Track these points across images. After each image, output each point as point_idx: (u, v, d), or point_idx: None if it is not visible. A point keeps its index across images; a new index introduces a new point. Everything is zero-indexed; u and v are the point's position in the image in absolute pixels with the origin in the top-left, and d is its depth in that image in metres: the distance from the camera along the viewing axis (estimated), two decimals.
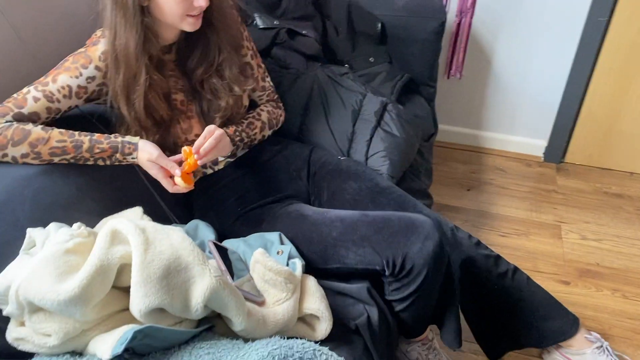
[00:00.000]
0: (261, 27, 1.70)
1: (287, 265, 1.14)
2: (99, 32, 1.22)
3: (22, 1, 1.36)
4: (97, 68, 1.19)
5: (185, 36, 1.28)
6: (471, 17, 2.17)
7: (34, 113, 1.15)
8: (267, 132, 1.46)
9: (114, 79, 1.18)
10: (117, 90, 1.19)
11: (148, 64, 1.19)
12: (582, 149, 2.38)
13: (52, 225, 1.02)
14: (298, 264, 1.13)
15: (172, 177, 1.19)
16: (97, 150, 1.16)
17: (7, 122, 1.12)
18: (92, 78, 1.19)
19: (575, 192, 2.27)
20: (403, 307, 1.23)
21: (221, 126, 1.31)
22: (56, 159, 1.14)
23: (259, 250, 1.08)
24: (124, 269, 0.93)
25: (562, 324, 1.42)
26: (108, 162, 1.20)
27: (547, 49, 2.18)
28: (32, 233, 1.01)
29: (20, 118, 1.14)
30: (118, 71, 1.17)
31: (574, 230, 2.06)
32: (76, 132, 1.16)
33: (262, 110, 1.46)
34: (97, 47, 1.19)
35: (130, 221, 0.92)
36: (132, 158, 1.19)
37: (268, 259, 1.06)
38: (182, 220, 1.38)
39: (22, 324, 0.92)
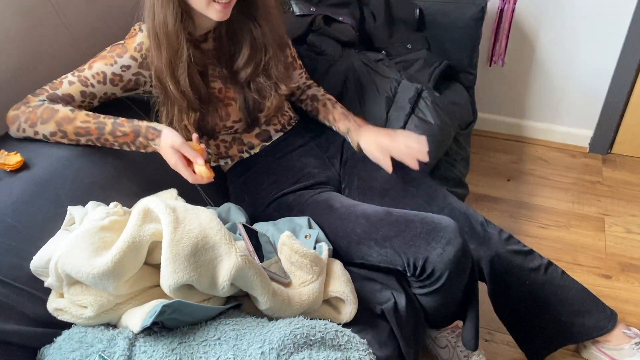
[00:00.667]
0: (298, 14, 1.71)
1: (314, 248, 1.16)
2: (136, 26, 1.26)
3: None
4: (132, 57, 1.22)
5: (227, 30, 1.29)
6: (514, 3, 2.11)
7: (67, 95, 1.19)
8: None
9: (158, 57, 1.20)
10: (162, 68, 1.20)
11: (188, 40, 1.20)
12: (630, 140, 2.29)
13: (90, 204, 1.07)
14: (324, 247, 1.15)
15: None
16: (119, 134, 1.17)
17: (40, 101, 1.18)
18: (127, 67, 1.22)
19: (621, 184, 2.18)
20: (427, 301, 1.23)
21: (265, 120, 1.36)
22: (82, 139, 1.17)
23: (286, 233, 1.10)
24: (155, 246, 0.97)
25: (598, 319, 1.38)
26: (133, 148, 1.20)
27: (594, 34, 2.09)
28: (72, 210, 1.07)
29: (54, 99, 1.19)
30: (160, 49, 1.19)
31: (618, 224, 1.99)
32: (102, 115, 1.18)
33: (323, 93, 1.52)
34: (135, 39, 1.23)
35: (162, 201, 0.96)
36: (155, 144, 1.19)
37: (294, 241, 1.08)
38: (217, 203, 1.41)
39: (62, 295, 0.97)
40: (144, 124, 1.19)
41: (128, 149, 1.21)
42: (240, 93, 1.34)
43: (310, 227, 1.23)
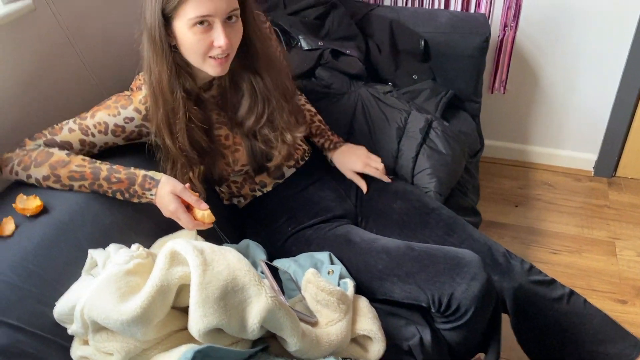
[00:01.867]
0: (305, 48, 1.72)
1: (338, 285, 1.15)
2: (141, 77, 1.23)
3: (89, 32, 1.43)
4: (136, 110, 1.19)
5: (230, 79, 1.27)
6: (515, 32, 2.14)
7: (66, 142, 1.16)
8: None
9: (156, 113, 1.18)
10: (160, 124, 1.18)
11: (185, 97, 1.18)
12: (634, 162, 2.31)
13: (112, 246, 1.05)
14: (350, 284, 1.13)
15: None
16: (114, 180, 1.13)
17: (36, 145, 1.15)
18: (131, 119, 1.19)
19: (629, 207, 2.19)
20: (451, 335, 1.22)
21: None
22: (75, 185, 1.12)
23: (310, 271, 1.08)
24: (182, 289, 0.95)
25: (623, 347, 1.36)
26: (126, 196, 1.15)
27: (595, 59, 2.13)
28: (93, 254, 1.05)
29: (51, 144, 1.16)
30: (158, 105, 1.17)
31: (629, 247, 1.99)
32: (98, 161, 1.15)
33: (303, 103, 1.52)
34: (140, 92, 1.20)
35: (188, 242, 0.95)
36: (151, 195, 1.14)
37: (320, 279, 1.07)
38: (233, 240, 1.40)
39: (86, 342, 0.95)
40: (141, 172, 1.15)
41: (121, 198, 1.15)
42: (247, 141, 1.32)
43: (331, 262, 1.22)
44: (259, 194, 1.42)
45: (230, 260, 0.94)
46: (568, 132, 2.35)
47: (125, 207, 1.18)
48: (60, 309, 0.95)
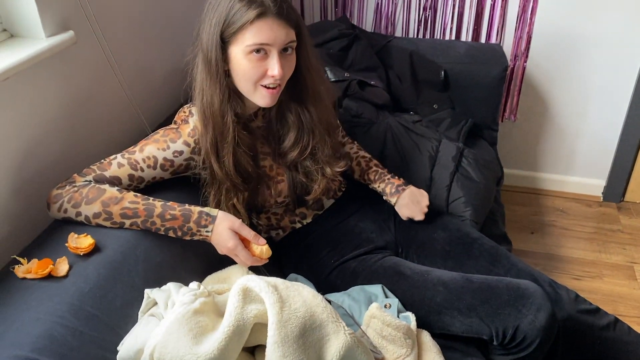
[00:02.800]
0: (332, 79, 1.73)
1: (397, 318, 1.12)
2: (186, 109, 1.23)
3: (130, 63, 1.43)
4: (185, 143, 1.18)
5: (277, 111, 1.27)
6: (525, 62, 2.19)
7: (115, 177, 1.13)
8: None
9: (205, 136, 1.17)
10: (207, 147, 1.17)
11: (235, 122, 1.17)
12: None
13: (171, 285, 1.00)
14: (412, 318, 1.11)
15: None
16: (168, 217, 1.10)
17: (86, 181, 1.12)
18: (180, 152, 1.18)
19: None
20: None
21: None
22: (127, 222, 1.09)
23: (374, 305, 1.06)
24: (253, 327, 0.91)
25: None
26: (179, 234, 1.11)
27: (603, 88, 2.18)
28: (150, 293, 1.00)
29: (101, 180, 1.12)
30: (207, 129, 1.16)
31: None
32: (151, 197, 1.12)
33: (356, 150, 1.51)
34: (188, 124, 1.19)
35: (260, 278, 0.91)
36: (207, 231, 1.11)
37: (385, 313, 1.04)
38: (271, 273, 1.36)
39: None
40: (196, 208, 1.12)
41: (173, 235, 1.12)
42: (288, 172, 1.31)
43: (386, 296, 1.19)
44: (298, 225, 1.39)
45: (306, 297, 0.91)
46: (577, 159, 2.39)
47: (173, 245, 1.14)
48: (124, 353, 0.90)
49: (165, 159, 1.16)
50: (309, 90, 1.24)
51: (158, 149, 1.16)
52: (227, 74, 1.15)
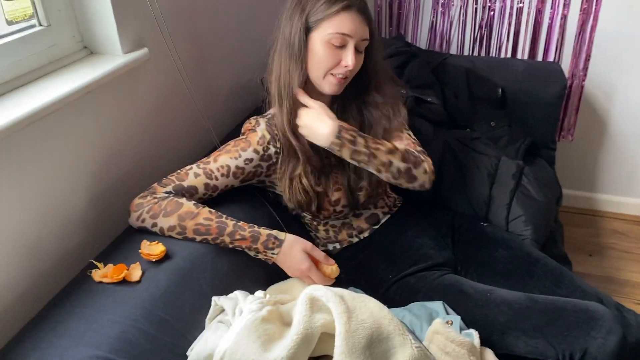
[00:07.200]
0: None
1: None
2: (252, 121, 1.29)
3: (201, 76, 1.51)
4: (255, 151, 1.24)
5: (341, 105, 1.32)
6: (584, 80, 2.15)
7: (192, 187, 1.20)
8: (398, 162, 1.24)
9: (280, 116, 1.23)
10: (284, 125, 1.23)
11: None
12: None
13: (239, 293, 1.03)
14: (475, 335, 1.09)
15: None
16: (238, 237, 1.14)
17: (166, 192, 1.17)
18: (250, 160, 1.24)
19: None
20: None
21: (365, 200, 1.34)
22: (198, 238, 1.13)
23: (438, 321, 1.05)
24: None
25: None
26: (245, 251, 1.17)
27: None
28: (217, 301, 1.03)
29: (179, 189, 1.19)
30: (282, 109, 1.23)
31: None
32: (224, 215, 1.16)
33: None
34: (256, 133, 1.26)
35: (327, 288, 0.92)
36: (273, 254, 1.16)
37: (449, 329, 1.03)
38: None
39: None
40: (265, 231, 1.16)
41: (239, 250, 1.17)
42: (344, 174, 1.33)
43: (447, 312, 1.17)
44: (355, 239, 1.40)
45: (372, 308, 0.91)
46: (638, 180, 2.31)
47: (239, 255, 1.17)
48: (194, 358, 0.93)
49: (237, 167, 1.22)
50: (373, 88, 1.29)
51: (230, 158, 1.22)
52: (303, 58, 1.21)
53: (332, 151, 1.21)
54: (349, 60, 1.19)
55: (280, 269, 1.20)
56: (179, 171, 1.22)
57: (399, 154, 1.24)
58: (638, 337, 1.24)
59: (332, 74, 1.21)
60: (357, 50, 1.20)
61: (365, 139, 1.22)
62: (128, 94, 1.25)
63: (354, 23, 1.17)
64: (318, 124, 1.19)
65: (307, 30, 1.19)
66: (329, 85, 1.23)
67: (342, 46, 1.19)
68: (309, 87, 1.26)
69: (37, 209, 1.04)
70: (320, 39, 1.18)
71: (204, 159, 1.24)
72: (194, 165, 1.22)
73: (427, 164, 1.30)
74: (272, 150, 1.26)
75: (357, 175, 1.33)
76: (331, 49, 1.18)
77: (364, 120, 1.33)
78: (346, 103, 1.32)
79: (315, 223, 1.40)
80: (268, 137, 1.25)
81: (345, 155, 1.21)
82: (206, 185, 1.21)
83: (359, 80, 1.29)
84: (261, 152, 1.25)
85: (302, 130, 1.22)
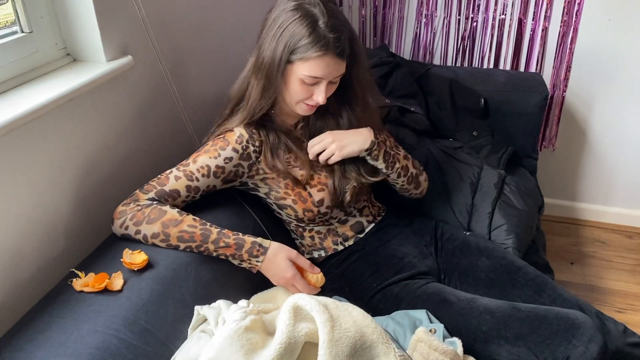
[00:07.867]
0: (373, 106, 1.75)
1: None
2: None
3: (185, 79, 1.50)
4: (234, 149, 1.25)
5: (319, 120, 1.35)
6: (564, 90, 2.19)
7: (174, 190, 1.19)
8: (411, 168, 1.41)
9: (254, 86, 1.24)
10: (256, 95, 1.24)
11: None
12: None
13: (222, 302, 1.02)
14: (458, 343, 1.10)
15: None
16: (222, 245, 1.14)
17: (148, 199, 1.17)
18: (230, 159, 1.24)
19: None
20: None
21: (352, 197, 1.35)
22: (182, 246, 1.13)
23: (421, 329, 1.05)
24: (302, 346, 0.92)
25: None
26: (229, 259, 1.17)
27: None
28: (200, 310, 1.02)
29: (162, 194, 1.18)
30: (259, 80, 1.23)
31: None
32: (208, 223, 1.17)
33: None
34: (234, 132, 1.26)
35: (311, 297, 0.92)
36: (257, 261, 1.17)
37: (432, 338, 1.04)
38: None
39: None
40: (249, 239, 1.17)
41: (223, 258, 1.17)
42: (330, 176, 1.34)
43: (430, 321, 1.18)
44: (340, 247, 1.40)
45: (356, 317, 0.91)
46: (617, 189, 2.35)
47: (222, 263, 1.17)
48: None
49: (217, 166, 1.23)
50: (358, 100, 1.32)
51: (210, 158, 1.22)
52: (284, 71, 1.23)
53: (369, 155, 1.31)
54: (319, 98, 1.22)
55: (263, 278, 1.20)
56: (159, 176, 1.21)
57: (411, 160, 1.41)
58: (618, 344, 1.26)
59: (304, 102, 1.25)
60: (331, 81, 1.23)
61: (389, 141, 1.34)
62: (111, 102, 1.24)
63: (327, 67, 1.18)
64: (352, 134, 1.31)
65: (288, 60, 1.19)
66: (301, 110, 1.28)
67: (315, 83, 1.21)
68: (284, 104, 1.28)
69: (19, 216, 1.03)
70: (295, 74, 1.20)
71: (184, 162, 1.23)
72: (173, 169, 1.22)
73: (424, 175, 1.47)
74: (251, 149, 1.26)
75: (345, 178, 1.35)
76: (304, 85, 1.21)
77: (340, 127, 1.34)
78: (325, 116, 1.34)
79: (300, 229, 1.40)
80: (246, 136, 1.26)
81: (380, 156, 1.32)
82: (188, 187, 1.21)
83: (344, 91, 1.30)
84: (240, 151, 1.25)
85: (345, 149, 1.29)
